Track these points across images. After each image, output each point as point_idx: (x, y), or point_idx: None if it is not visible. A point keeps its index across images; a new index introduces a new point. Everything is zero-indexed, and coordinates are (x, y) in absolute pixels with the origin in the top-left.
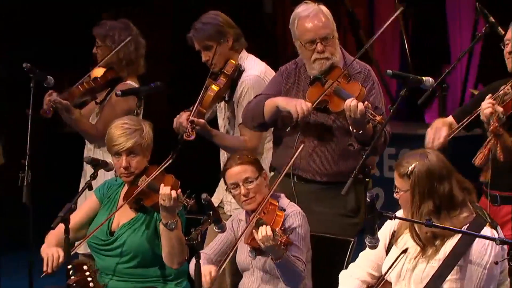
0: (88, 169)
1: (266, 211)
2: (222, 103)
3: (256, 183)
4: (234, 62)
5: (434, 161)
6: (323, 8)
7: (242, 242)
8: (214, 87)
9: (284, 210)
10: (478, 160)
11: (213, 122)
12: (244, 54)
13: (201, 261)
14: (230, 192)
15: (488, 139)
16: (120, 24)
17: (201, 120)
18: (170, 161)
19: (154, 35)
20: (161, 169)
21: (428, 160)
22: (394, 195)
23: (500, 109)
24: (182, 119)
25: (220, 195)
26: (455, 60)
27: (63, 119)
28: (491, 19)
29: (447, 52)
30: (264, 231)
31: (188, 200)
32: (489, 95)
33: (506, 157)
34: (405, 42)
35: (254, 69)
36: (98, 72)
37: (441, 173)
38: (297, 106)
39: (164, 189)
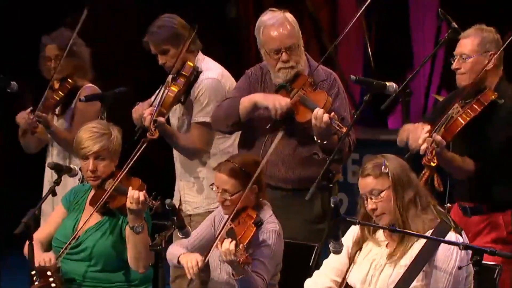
0: (49, 174)
1: (241, 221)
2: (178, 105)
3: (234, 197)
4: (191, 64)
5: (396, 157)
6: (289, 16)
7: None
8: (174, 88)
9: (261, 223)
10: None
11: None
12: (200, 56)
13: (180, 250)
14: (213, 189)
15: (422, 173)
16: (67, 32)
17: (162, 119)
18: (133, 159)
19: (119, 39)
20: (126, 169)
21: (393, 157)
22: (371, 205)
23: (438, 138)
24: (144, 117)
25: (178, 196)
26: (419, 65)
27: (25, 135)
28: (454, 24)
29: (410, 58)
30: (227, 245)
31: (154, 202)
32: (428, 127)
33: (459, 175)
34: (369, 47)
35: (212, 72)
36: (56, 83)
37: (408, 167)
38: (275, 101)
39: (132, 192)
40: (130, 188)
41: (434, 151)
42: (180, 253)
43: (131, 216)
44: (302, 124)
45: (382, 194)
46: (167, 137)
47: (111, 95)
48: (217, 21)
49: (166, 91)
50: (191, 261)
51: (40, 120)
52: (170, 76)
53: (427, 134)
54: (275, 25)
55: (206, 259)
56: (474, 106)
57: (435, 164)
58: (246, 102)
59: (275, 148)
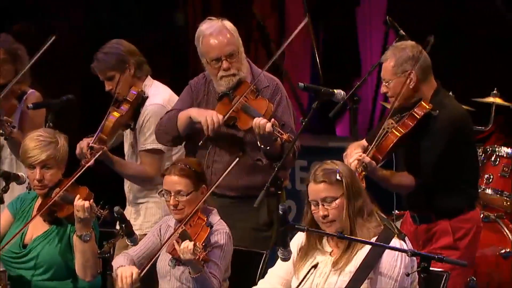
0: None
1: (192, 224)
2: (128, 131)
3: (188, 197)
4: (136, 89)
5: (345, 164)
6: (227, 24)
7: (165, 249)
8: (116, 114)
9: (212, 226)
10: None
11: (120, 149)
12: (148, 81)
13: (122, 261)
14: (163, 195)
15: None
16: (8, 37)
17: (101, 147)
18: (81, 171)
19: (67, 49)
20: (73, 180)
21: (342, 163)
22: (323, 212)
23: (367, 160)
24: (82, 144)
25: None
26: (366, 73)
27: None
28: (401, 32)
29: (358, 65)
30: (185, 244)
31: (102, 211)
32: (358, 149)
33: (400, 192)
34: (316, 55)
35: (158, 98)
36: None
37: (355, 174)
38: (208, 117)
39: (79, 201)
40: (78, 197)
41: (362, 173)
42: (119, 265)
43: (78, 224)
44: (245, 131)
45: (337, 201)
46: (110, 165)
47: (58, 103)
48: (164, 29)
49: (108, 117)
50: (125, 272)
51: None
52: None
53: (358, 155)
54: (214, 34)
55: (142, 273)
56: (407, 121)
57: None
58: (182, 117)
59: (219, 155)
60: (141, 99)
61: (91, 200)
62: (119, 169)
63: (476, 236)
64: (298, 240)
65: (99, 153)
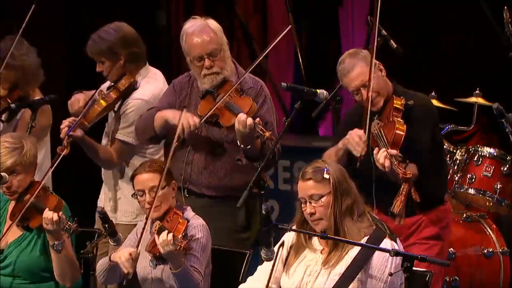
0: None
1: (169, 219)
2: (112, 112)
3: (162, 192)
4: (129, 79)
5: (336, 163)
6: (211, 22)
7: (144, 252)
8: (102, 102)
9: (188, 220)
10: (396, 208)
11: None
12: (144, 71)
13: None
14: (137, 198)
15: (401, 188)
16: (11, 40)
17: (79, 134)
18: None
19: (48, 47)
20: (44, 181)
21: (333, 163)
22: (310, 209)
23: (394, 152)
24: (61, 128)
25: (103, 197)
26: None
27: None
28: (384, 32)
29: None
30: (164, 236)
31: (71, 224)
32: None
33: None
34: (299, 55)
35: (146, 92)
36: (2, 93)
37: (347, 173)
38: (184, 121)
39: (47, 214)
40: (46, 209)
41: (405, 165)
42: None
43: (49, 235)
44: (227, 128)
45: (323, 199)
46: (85, 148)
47: (41, 102)
48: (146, 29)
49: (93, 104)
50: (123, 256)
51: None
52: (105, 85)
53: (385, 152)
54: (196, 32)
55: (138, 250)
56: (395, 118)
57: (411, 175)
58: (158, 118)
59: (200, 152)
60: (132, 88)
61: (60, 212)
62: (92, 154)
63: (450, 228)
64: (288, 238)
65: (77, 139)
